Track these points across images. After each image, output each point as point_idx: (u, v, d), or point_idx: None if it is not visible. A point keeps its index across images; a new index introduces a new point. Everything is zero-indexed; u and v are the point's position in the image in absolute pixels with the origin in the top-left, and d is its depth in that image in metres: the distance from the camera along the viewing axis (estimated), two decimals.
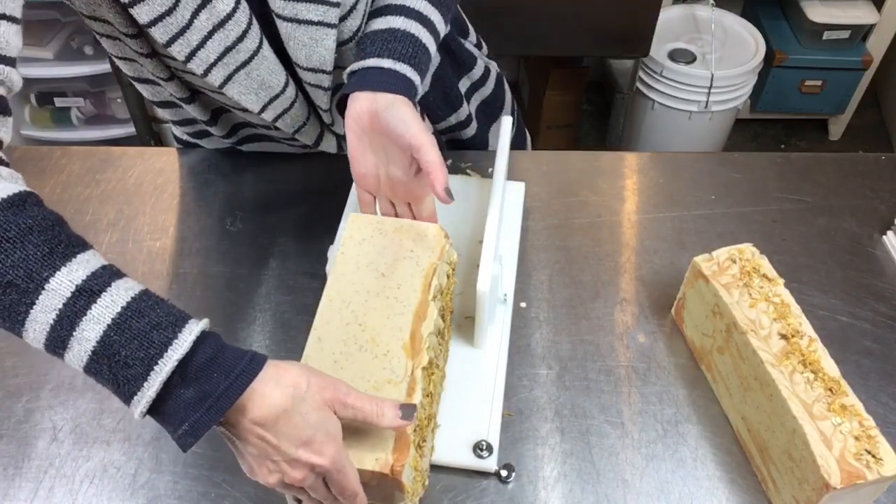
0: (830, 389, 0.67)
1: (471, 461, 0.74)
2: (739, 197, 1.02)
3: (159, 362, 0.51)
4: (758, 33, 2.08)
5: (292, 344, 0.85)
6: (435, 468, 0.73)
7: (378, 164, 0.77)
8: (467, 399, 0.78)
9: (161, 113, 0.99)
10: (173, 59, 0.75)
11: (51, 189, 1.02)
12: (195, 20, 0.71)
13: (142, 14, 0.68)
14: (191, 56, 0.73)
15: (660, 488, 0.73)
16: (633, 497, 0.73)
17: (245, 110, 0.85)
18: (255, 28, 0.76)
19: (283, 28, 0.77)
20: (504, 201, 0.86)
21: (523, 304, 0.89)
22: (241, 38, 0.75)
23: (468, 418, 0.76)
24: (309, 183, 1.03)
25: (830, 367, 0.69)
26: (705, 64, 1.99)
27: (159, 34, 0.70)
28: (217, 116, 0.94)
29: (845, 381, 0.68)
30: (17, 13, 0.60)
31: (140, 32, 0.74)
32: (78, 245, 0.54)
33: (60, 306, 0.51)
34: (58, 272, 0.51)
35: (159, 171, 1.05)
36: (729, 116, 2.09)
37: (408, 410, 0.60)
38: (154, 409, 0.53)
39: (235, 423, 0.55)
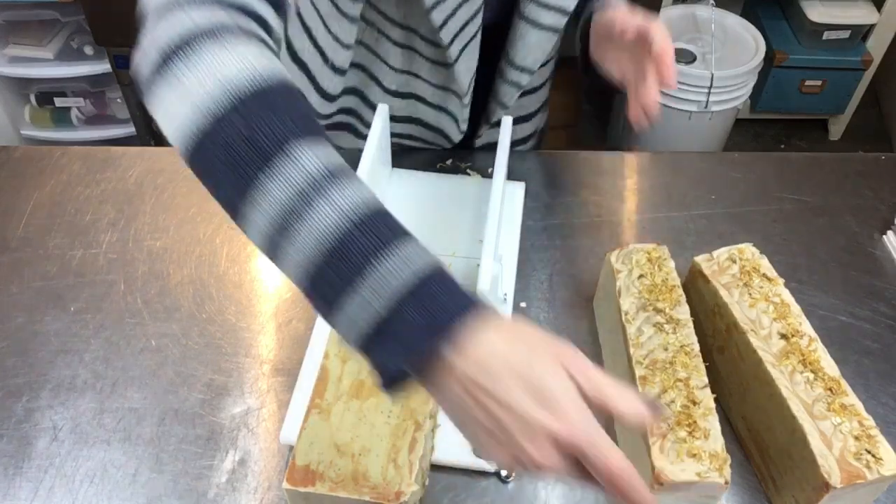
0: (830, 389, 0.67)
1: (471, 461, 0.73)
2: (739, 197, 1.02)
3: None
4: (758, 33, 2.08)
5: (292, 344, 0.85)
6: (435, 468, 0.73)
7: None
8: None
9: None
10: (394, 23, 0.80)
11: (51, 189, 1.02)
12: None
13: None
14: (444, 24, 0.78)
15: None
16: None
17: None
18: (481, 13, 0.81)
19: (520, 28, 0.84)
20: (504, 201, 0.86)
21: (523, 304, 0.89)
22: (476, 12, 0.80)
23: None
24: None
25: (830, 366, 0.69)
26: (705, 64, 1.99)
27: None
28: (347, 70, 0.94)
29: (845, 381, 0.68)
30: None
31: None
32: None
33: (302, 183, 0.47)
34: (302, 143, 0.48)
35: (159, 171, 1.05)
36: (729, 116, 2.09)
37: (655, 408, 0.47)
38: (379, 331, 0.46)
39: (452, 371, 0.45)
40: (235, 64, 0.49)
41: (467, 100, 0.89)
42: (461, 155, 1.06)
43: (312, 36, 0.88)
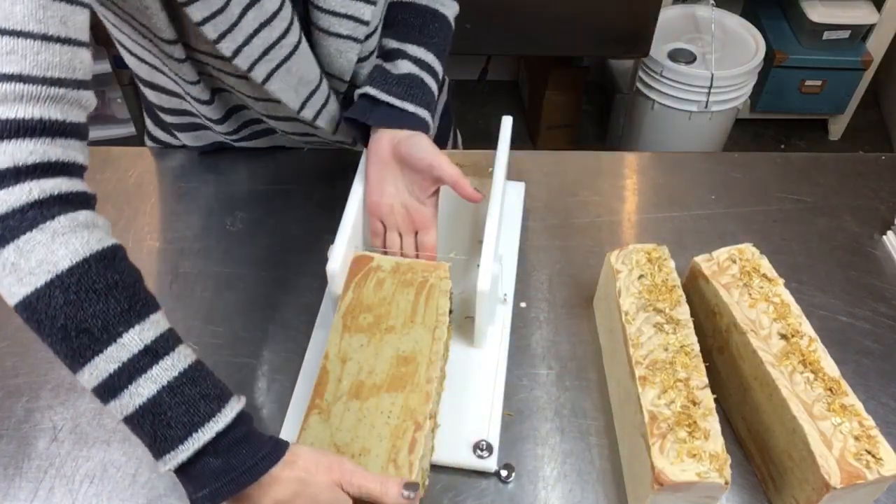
0: (830, 389, 0.67)
1: (471, 461, 0.74)
2: (739, 197, 1.02)
3: (200, 430, 0.56)
4: (758, 33, 2.08)
5: (292, 344, 0.85)
6: (435, 468, 0.73)
7: (394, 194, 0.83)
8: (467, 399, 0.78)
9: (164, 118, 1.00)
10: (216, 57, 0.78)
11: None
12: (243, 18, 0.74)
13: (195, 12, 0.71)
14: (237, 52, 0.76)
15: None
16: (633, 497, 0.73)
17: (274, 116, 0.90)
18: (296, 25, 0.79)
19: (314, 36, 0.82)
20: (504, 201, 0.86)
21: (523, 304, 0.89)
22: (283, 35, 0.78)
23: (468, 418, 0.76)
24: (309, 181, 1.03)
25: (830, 367, 0.69)
26: (705, 64, 1.99)
27: (210, 31, 0.73)
28: (228, 116, 0.95)
29: (845, 381, 0.68)
30: (86, 36, 0.61)
31: (178, 39, 0.77)
32: (151, 305, 0.59)
33: (125, 360, 0.56)
34: (131, 329, 0.56)
35: (159, 171, 1.05)
36: (729, 116, 2.09)
37: (412, 487, 0.62)
38: (180, 469, 0.57)
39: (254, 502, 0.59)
40: (57, 249, 0.54)
41: (306, 115, 0.86)
42: (462, 155, 1.06)
43: (165, 74, 0.88)
